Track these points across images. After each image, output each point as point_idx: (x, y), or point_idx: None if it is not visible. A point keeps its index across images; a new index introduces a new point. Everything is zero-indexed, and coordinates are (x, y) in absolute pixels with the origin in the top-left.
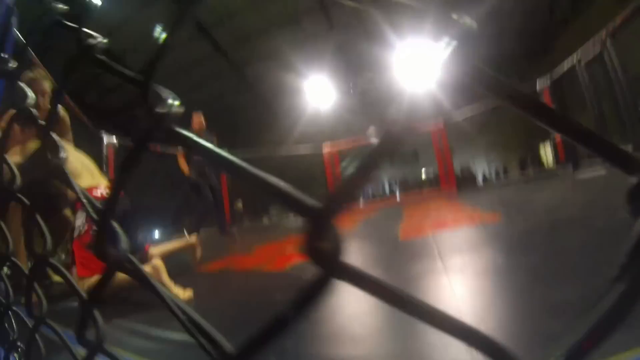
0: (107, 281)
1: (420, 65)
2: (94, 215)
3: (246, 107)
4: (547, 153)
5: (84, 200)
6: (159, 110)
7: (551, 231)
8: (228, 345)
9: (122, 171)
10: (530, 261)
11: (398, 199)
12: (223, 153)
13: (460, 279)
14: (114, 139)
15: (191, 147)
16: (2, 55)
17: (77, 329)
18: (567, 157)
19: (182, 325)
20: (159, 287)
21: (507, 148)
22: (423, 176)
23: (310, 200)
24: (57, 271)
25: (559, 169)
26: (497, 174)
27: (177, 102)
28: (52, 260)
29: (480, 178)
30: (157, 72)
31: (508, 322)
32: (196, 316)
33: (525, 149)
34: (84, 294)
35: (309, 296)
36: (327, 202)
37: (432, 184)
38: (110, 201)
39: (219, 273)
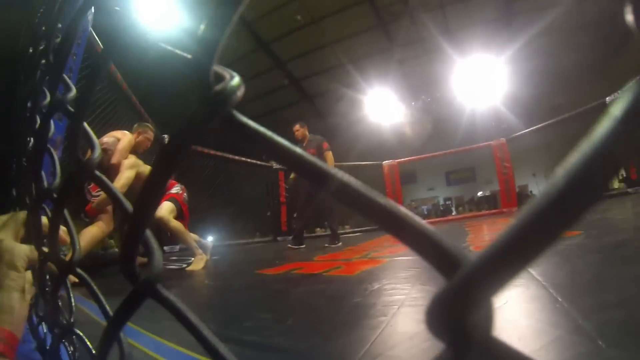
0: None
1: (482, 82)
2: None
3: (303, 119)
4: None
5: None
6: (219, 89)
7: None
8: None
9: (160, 170)
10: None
11: (455, 216)
12: (306, 156)
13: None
14: None
15: (257, 142)
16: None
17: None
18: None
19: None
20: (192, 318)
21: None
22: (479, 194)
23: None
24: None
25: (630, 188)
26: None
27: (237, 80)
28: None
29: None
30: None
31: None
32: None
33: None
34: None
35: None
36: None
37: (489, 203)
38: (143, 206)
39: (286, 275)
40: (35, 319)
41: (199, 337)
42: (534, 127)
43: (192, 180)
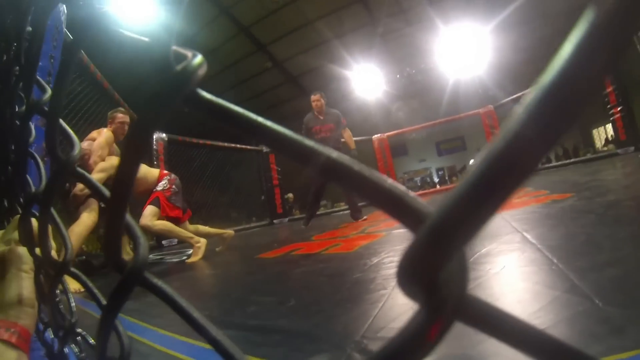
0: (128, 292)
1: (468, 50)
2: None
3: (290, 99)
4: (601, 136)
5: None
6: (180, 68)
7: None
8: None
9: (130, 155)
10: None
11: (449, 186)
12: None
13: (553, 247)
14: (163, 135)
15: (224, 117)
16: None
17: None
18: (628, 136)
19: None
20: (182, 302)
21: None
22: (471, 162)
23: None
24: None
25: (619, 149)
26: (555, 156)
27: (200, 59)
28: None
29: None
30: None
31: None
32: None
33: (577, 132)
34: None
35: None
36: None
37: None
38: (119, 193)
39: (286, 257)
40: (41, 325)
41: (189, 320)
42: (521, 93)
43: (183, 173)
